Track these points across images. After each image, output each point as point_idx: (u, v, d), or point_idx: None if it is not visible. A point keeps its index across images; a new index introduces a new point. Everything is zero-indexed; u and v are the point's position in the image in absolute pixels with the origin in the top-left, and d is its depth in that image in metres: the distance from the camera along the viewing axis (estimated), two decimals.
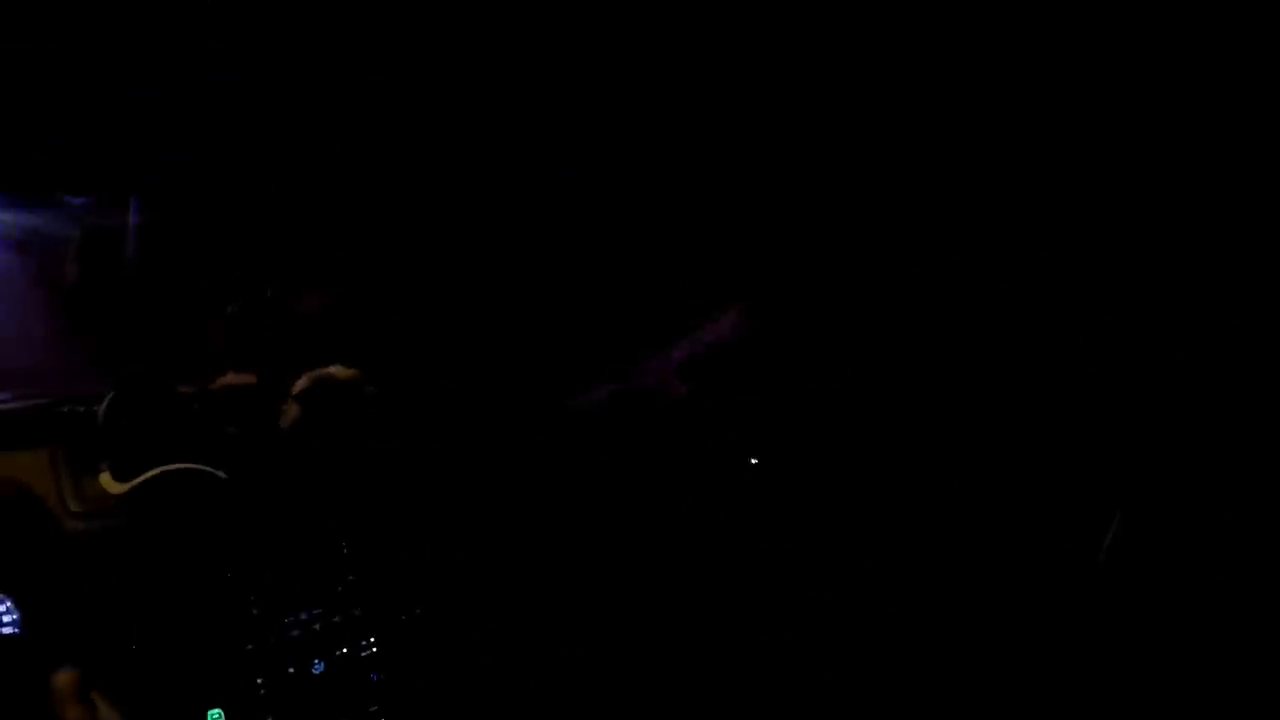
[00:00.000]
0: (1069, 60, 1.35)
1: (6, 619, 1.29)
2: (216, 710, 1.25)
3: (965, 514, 1.53)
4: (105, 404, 1.42)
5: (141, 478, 1.35)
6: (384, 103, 1.53)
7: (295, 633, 1.31)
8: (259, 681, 1.27)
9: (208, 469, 1.35)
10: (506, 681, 1.38)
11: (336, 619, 1.33)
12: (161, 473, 1.34)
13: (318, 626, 1.32)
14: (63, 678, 1.08)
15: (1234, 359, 1.33)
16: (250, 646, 1.28)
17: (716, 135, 1.60)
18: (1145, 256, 1.38)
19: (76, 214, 1.75)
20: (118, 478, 1.37)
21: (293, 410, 1.43)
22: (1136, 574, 1.40)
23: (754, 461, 1.59)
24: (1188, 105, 1.30)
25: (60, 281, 1.69)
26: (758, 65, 1.54)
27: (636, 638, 1.49)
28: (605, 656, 1.45)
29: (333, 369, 1.42)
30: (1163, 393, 1.39)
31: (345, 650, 1.32)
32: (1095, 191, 1.41)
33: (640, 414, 1.61)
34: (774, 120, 1.58)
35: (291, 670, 1.28)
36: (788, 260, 1.62)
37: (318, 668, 1.30)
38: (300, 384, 1.42)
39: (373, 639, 1.34)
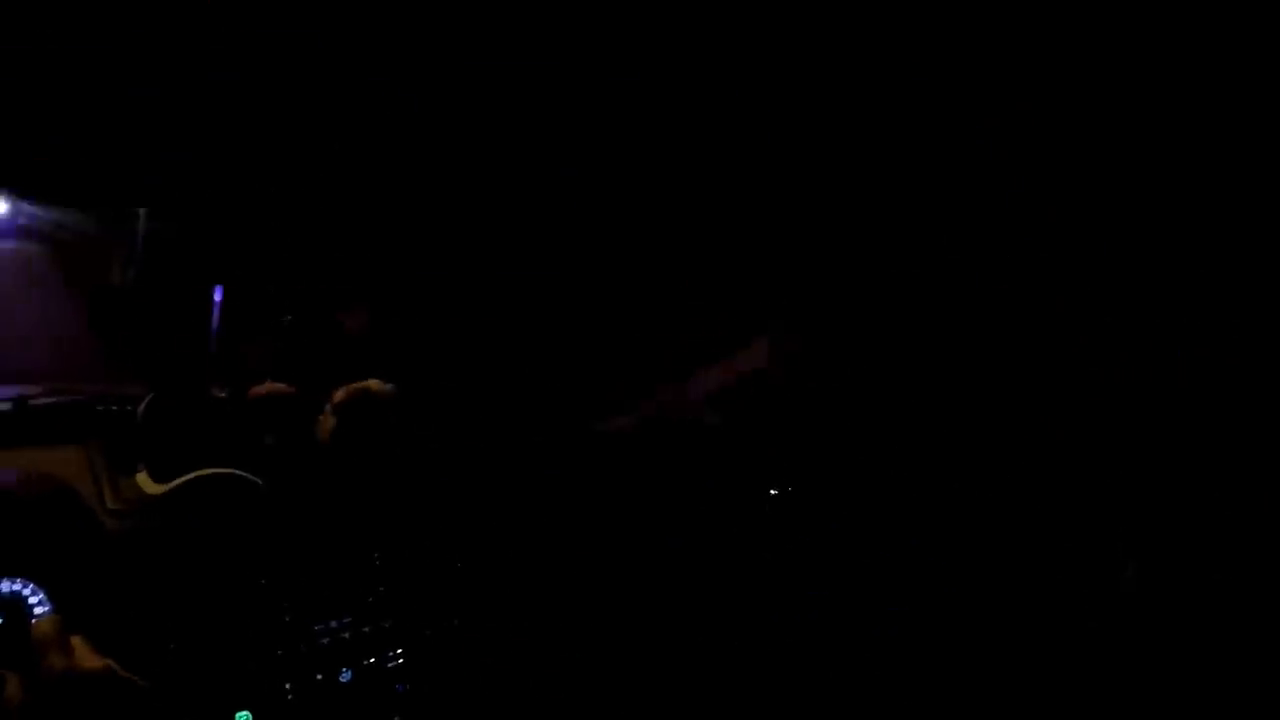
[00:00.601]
0: (1069, 60, 1.37)
1: (39, 610, 1.31)
2: (245, 713, 1.27)
3: (970, 516, 1.56)
4: (145, 404, 1.45)
5: (180, 480, 1.37)
6: (426, 120, 1.56)
7: (325, 640, 1.33)
8: (287, 687, 1.29)
9: (246, 475, 1.38)
10: (532, 697, 1.40)
11: (366, 629, 1.36)
12: (200, 476, 1.37)
13: (347, 635, 1.34)
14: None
15: (1234, 359, 1.34)
16: (280, 652, 1.30)
17: (756, 159, 1.63)
18: (1145, 256, 1.40)
19: (119, 215, 1.78)
20: (155, 479, 1.39)
21: (330, 421, 1.46)
22: (1134, 574, 1.43)
23: (774, 492, 1.62)
24: (1188, 105, 1.31)
25: (100, 281, 1.72)
26: (782, 86, 1.57)
27: (662, 655, 1.51)
28: (632, 673, 1.48)
29: (370, 383, 1.45)
30: (1163, 393, 1.42)
31: (373, 660, 1.35)
32: (1095, 191, 1.43)
33: (668, 440, 1.64)
34: (805, 142, 1.61)
35: (319, 678, 1.31)
36: (820, 288, 1.65)
37: (345, 676, 1.32)
38: (338, 396, 1.45)
39: (400, 650, 1.37)
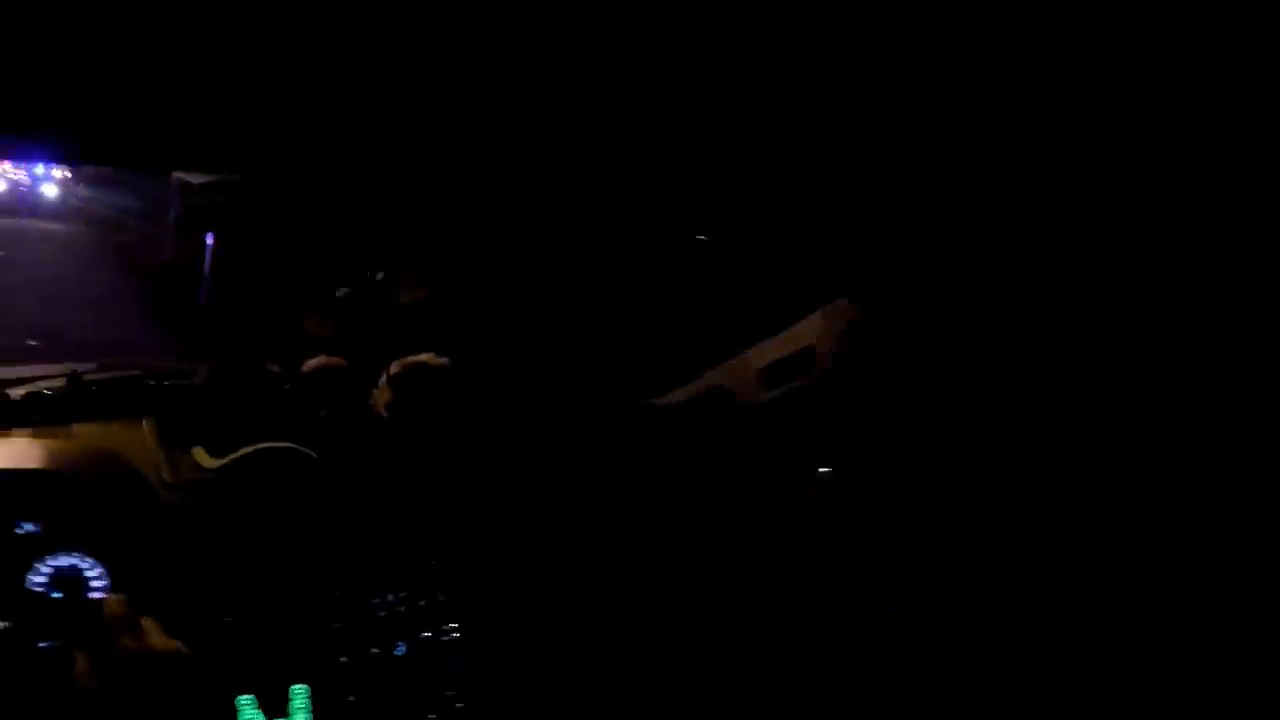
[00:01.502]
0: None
1: (96, 583, 1.31)
2: (301, 685, 1.26)
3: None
4: (201, 379, 1.45)
5: (236, 454, 1.37)
6: (483, 103, 1.54)
7: (380, 614, 1.33)
8: (343, 660, 1.28)
9: (301, 449, 1.37)
10: (581, 671, 1.39)
11: (421, 603, 1.35)
12: (256, 450, 1.36)
13: (402, 609, 1.34)
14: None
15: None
16: (336, 625, 1.30)
17: (802, 134, 1.61)
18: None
19: (166, 195, 1.79)
20: (211, 453, 1.39)
21: (385, 395, 1.45)
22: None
23: (822, 470, 1.60)
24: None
25: (152, 258, 1.73)
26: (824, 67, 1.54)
27: (707, 637, 1.49)
28: (682, 657, 1.46)
29: (424, 357, 1.44)
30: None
31: (428, 634, 1.34)
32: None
33: (718, 415, 1.62)
34: (853, 124, 1.59)
35: (375, 651, 1.30)
36: (877, 266, 1.62)
37: (400, 650, 1.32)
38: (392, 369, 1.44)
39: (455, 625, 1.36)
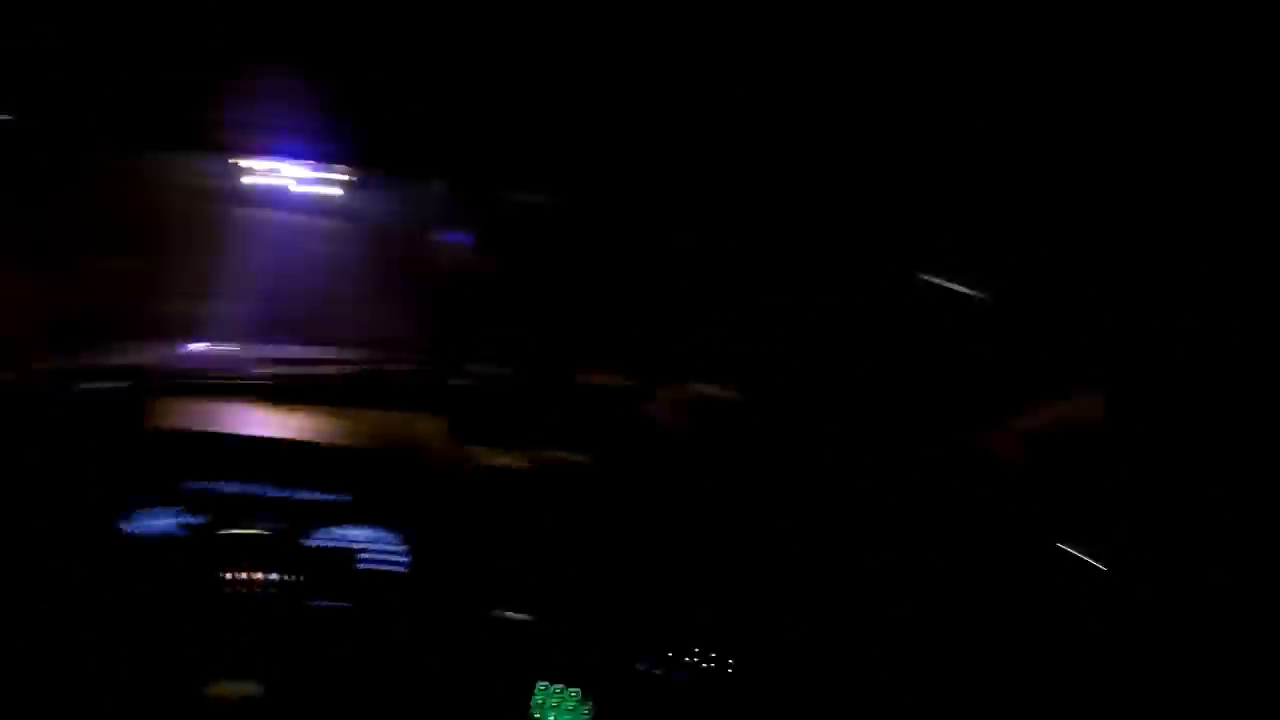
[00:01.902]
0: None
1: (398, 558, 1.42)
2: (575, 689, 1.32)
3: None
4: (498, 382, 1.54)
5: (528, 456, 1.44)
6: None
7: (668, 632, 1.34)
8: (625, 671, 1.33)
9: (593, 461, 1.43)
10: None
11: (707, 626, 1.35)
12: (547, 456, 1.44)
13: (688, 629, 1.34)
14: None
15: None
16: (624, 636, 1.34)
17: (1090, 214, 1.59)
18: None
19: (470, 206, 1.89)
20: (504, 453, 1.48)
21: (669, 416, 1.50)
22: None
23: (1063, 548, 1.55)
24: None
25: (442, 266, 1.85)
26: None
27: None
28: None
29: (707, 386, 1.49)
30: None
31: (712, 663, 1.33)
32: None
33: (970, 471, 1.59)
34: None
35: (657, 671, 1.32)
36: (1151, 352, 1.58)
37: (679, 676, 1.33)
38: (680, 395, 1.49)
39: (737, 656, 1.34)
